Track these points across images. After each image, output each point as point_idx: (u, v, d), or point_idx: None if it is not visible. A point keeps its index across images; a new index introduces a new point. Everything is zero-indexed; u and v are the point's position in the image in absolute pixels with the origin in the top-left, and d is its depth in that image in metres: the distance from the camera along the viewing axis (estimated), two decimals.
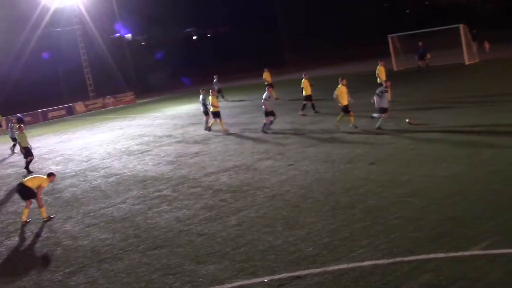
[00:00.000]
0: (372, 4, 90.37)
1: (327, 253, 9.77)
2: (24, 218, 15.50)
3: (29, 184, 15.23)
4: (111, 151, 26.23)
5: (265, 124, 24.31)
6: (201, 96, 28.62)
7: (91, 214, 15.32)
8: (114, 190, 17.81)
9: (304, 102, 27.78)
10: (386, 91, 21.07)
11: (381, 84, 25.92)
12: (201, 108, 28.43)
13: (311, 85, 28.00)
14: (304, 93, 27.95)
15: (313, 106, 27.60)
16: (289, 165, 17.18)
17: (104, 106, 58.65)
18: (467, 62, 40.75)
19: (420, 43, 41.79)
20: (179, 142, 25.57)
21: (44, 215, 15.41)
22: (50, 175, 15.82)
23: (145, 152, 24.19)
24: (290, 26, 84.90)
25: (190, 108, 42.25)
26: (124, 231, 13.28)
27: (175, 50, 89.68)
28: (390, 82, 21.79)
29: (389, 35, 47.56)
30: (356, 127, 21.13)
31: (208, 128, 27.45)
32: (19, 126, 25.51)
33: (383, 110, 20.66)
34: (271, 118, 24.31)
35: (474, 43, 43.86)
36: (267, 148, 20.57)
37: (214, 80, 43.03)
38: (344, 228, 10.89)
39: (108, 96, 59.99)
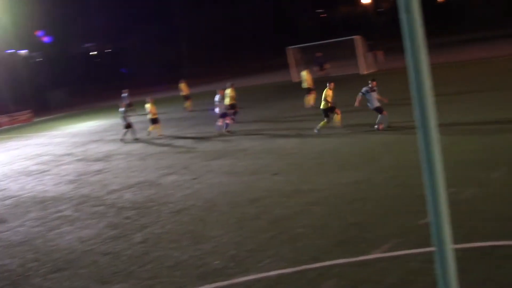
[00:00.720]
0: (270, 17, 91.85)
1: (234, 265, 9.77)
2: None
3: None
4: (7, 172, 25.14)
5: (227, 124, 24.92)
6: (121, 109, 28.74)
7: None
8: (11, 213, 17.05)
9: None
10: (373, 90, 20.33)
11: (308, 89, 26.77)
12: (122, 121, 28.58)
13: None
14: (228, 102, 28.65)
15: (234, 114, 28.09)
16: (193, 179, 17.10)
17: None
18: (363, 72, 42.23)
19: (318, 54, 42.94)
20: (80, 160, 24.87)
21: None
22: None
23: (44, 172, 23.35)
24: (191, 40, 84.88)
25: (91, 125, 41.27)
26: (22, 255, 12.71)
27: (74, 66, 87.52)
28: (376, 82, 20.88)
29: (288, 48, 48.54)
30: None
31: (148, 133, 28.46)
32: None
33: (379, 110, 20.02)
34: (227, 120, 24.88)
35: (370, 53, 45.57)
36: (171, 162, 20.39)
37: (124, 95, 42.07)
38: (250, 240, 10.94)
39: (2, 115, 57.52)
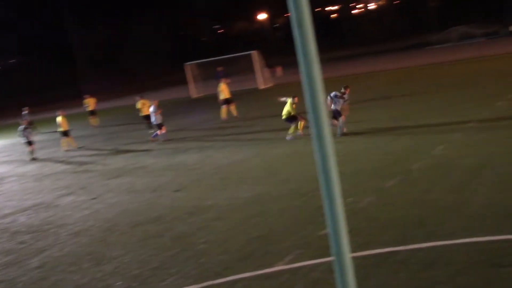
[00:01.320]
0: (168, 33, 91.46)
1: (137, 285, 9.56)
2: None
3: None
4: None
5: (157, 134, 25.20)
6: (20, 127, 27.78)
7: None
8: None
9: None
10: (342, 98, 20.03)
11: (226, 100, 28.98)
12: (22, 140, 27.60)
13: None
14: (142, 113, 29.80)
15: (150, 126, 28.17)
16: (92, 199, 16.63)
17: None
18: (261, 87, 42.85)
19: (219, 68, 43.20)
20: None
21: None
22: None
23: None
24: (87, 57, 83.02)
25: None
26: None
27: None
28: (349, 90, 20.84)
29: (186, 63, 48.50)
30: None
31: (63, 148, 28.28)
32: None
33: (338, 114, 19.79)
34: (164, 131, 25.14)
35: (267, 69, 46.32)
36: (68, 183, 19.75)
37: (24, 113, 40.12)
38: (153, 258, 10.76)
39: None
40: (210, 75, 44.61)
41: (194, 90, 46.68)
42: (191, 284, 9.18)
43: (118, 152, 24.71)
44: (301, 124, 20.89)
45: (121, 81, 79.25)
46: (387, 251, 9.03)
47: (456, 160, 13.82)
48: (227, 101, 29.40)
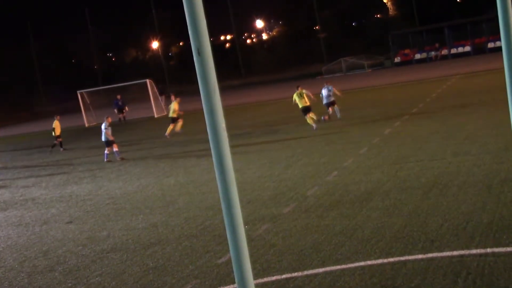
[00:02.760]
0: (58, 59, 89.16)
1: None
2: None
3: None
4: None
5: (107, 154, 24.66)
6: None
7: None
8: None
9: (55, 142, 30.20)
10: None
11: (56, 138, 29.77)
12: None
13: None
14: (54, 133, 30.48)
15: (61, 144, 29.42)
16: None
17: None
18: (156, 115, 42.54)
19: (118, 96, 42.51)
20: None
21: None
22: None
23: None
24: None
25: None
26: None
27: None
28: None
29: (79, 91, 47.38)
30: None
31: None
32: None
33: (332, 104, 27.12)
34: (114, 148, 24.66)
35: (162, 97, 46.11)
36: None
37: None
38: None
39: None
40: (104, 103, 43.79)
41: (87, 119, 45.58)
42: None
43: (4, 184, 23.56)
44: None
45: (8, 109, 76.01)
46: (284, 277, 9.11)
47: (348, 186, 14.26)
48: (175, 119, 30.10)
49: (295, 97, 25.67)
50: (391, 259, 9.12)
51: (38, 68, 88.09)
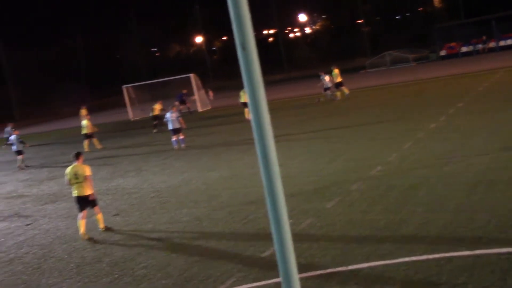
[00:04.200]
0: (104, 55, 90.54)
1: None
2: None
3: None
4: None
5: (175, 141, 25.91)
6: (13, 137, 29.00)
7: None
8: None
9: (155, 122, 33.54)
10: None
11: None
12: (14, 147, 28.71)
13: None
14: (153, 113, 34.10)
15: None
16: (26, 225, 16.14)
17: None
18: (200, 110, 42.82)
19: (184, 91, 42.88)
20: None
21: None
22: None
23: None
24: (20, 80, 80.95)
25: None
26: None
27: None
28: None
29: (124, 86, 48.03)
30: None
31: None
32: None
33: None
34: (180, 136, 25.87)
35: (203, 91, 46.37)
36: (0, 208, 19.11)
37: (7, 129, 37.85)
38: (91, 285, 10.50)
39: None
40: (148, 98, 44.26)
41: (132, 113, 46.20)
42: None
43: (53, 176, 24.11)
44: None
45: (55, 103, 77.58)
46: (328, 272, 9.11)
47: (393, 180, 14.12)
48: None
49: None
50: (437, 255, 9.02)
51: (83, 63, 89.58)
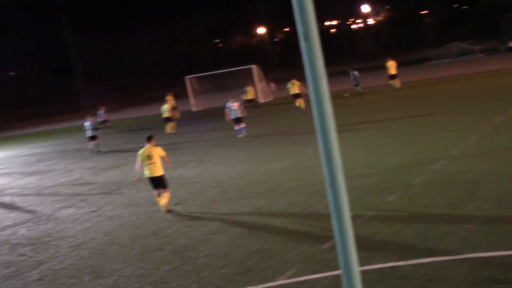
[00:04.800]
0: (167, 47, 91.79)
1: None
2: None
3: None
4: None
5: (238, 129, 26.83)
6: (87, 123, 30.55)
7: None
8: None
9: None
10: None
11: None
12: (88, 133, 30.35)
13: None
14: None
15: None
16: (92, 211, 16.61)
17: None
18: (261, 101, 42.89)
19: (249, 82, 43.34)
20: None
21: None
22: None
23: None
24: (86, 70, 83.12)
25: None
26: None
27: None
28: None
29: (186, 77, 48.59)
30: None
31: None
32: None
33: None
34: (242, 125, 26.87)
35: (265, 83, 46.43)
36: (68, 195, 19.73)
37: (99, 112, 39.70)
38: (153, 271, 10.72)
39: None
40: (210, 89, 44.66)
41: (194, 103, 46.75)
42: None
43: (118, 165, 24.70)
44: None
45: (119, 94, 79.38)
46: (388, 266, 9.01)
47: (456, 175, 13.82)
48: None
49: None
50: (503, 253, 8.79)
51: (148, 55, 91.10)
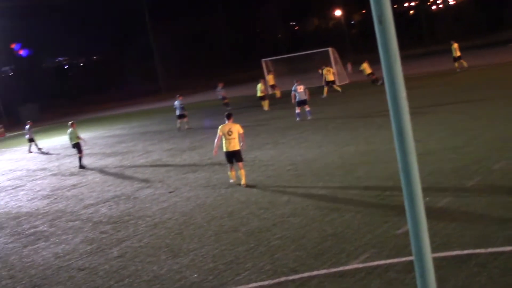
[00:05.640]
0: (244, 30, 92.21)
1: (212, 278, 9.72)
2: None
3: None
4: None
5: (298, 113, 27.60)
6: (176, 102, 32.64)
7: None
8: None
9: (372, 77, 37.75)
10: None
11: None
12: (178, 112, 32.53)
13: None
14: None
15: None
16: (169, 192, 17.02)
17: None
18: (337, 83, 42.49)
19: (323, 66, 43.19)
20: (55, 174, 24.60)
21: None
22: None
23: (18, 187, 23.04)
24: (165, 54, 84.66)
25: (65, 139, 40.85)
26: None
27: (46, 81, 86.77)
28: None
29: (262, 59, 48.69)
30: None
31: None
32: (72, 123, 26.05)
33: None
34: (306, 108, 27.72)
35: (340, 65, 45.87)
36: (146, 176, 20.28)
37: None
38: (228, 252, 10.91)
39: None
40: (287, 71, 44.61)
41: (269, 87, 46.81)
42: (265, 279, 9.25)
43: (195, 147, 25.15)
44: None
45: (199, 76, 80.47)
46: (466, 253, 8.81)
47: None
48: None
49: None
50: None
51: (225, 37, 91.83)
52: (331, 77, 37.21)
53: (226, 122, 16.50)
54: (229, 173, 16.68)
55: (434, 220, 10.24)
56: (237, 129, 16.28)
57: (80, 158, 25.21)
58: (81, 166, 24.82)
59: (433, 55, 57.91)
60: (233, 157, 16.28)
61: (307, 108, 27.47)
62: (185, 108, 32.85)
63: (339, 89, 37.14)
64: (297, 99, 27.68)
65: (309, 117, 27.15)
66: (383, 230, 10.51)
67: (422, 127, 19.33)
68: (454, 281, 7.94)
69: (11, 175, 27.02)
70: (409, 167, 2.81)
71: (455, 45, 38.08)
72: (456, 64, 38.10)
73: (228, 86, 55.99)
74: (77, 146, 25.36)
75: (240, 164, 16.21)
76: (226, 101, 38.92)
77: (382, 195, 12.81)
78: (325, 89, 36.85)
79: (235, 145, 16.18)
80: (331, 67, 38.99)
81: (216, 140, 16.53)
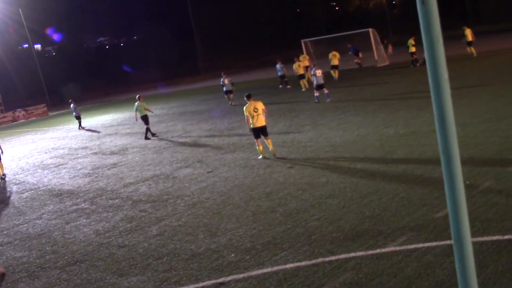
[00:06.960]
0: (284, 10, 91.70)
1: (250, 258, 9.80)
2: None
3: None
4: (24, 165, 25.35)
5: (317, 96, 28.42)
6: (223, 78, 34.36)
7: (5, 232, 14.71)
8: (29, 206, 17.20)
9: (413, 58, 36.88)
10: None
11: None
12: (225, 88, 34.36)
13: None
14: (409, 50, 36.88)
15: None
16: (208, 172, 17.15)
17: (14, 119, 56.61)
18: (378, 65, 42.03)
19: (349, 45, 42.72)
20: (96, 153, 25.03)
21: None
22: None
23: (60, 165, 23.52)
24: (204, 34, 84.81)
25: (106, 118, 41.46)
26: (40, 247, 12.83)
27: (88, 60, 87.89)
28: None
29: (302, 40, 48.39)
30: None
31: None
32: (139, 97, 27.46)
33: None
34: (325, 91, 28.31)
35: (382, 46, 45.28)
36: (185, 156, 20.47)
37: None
38: (265, 233, 10.96)
39: (18, 109, 57.95)
40: (326, 52, 44.18)
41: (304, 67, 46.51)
42: (302, 260, 9.28)
43: (232, 128, 25.24)
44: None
45: (235, 57, 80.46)
46: (507, 238, 8.68)
47: None
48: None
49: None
50: None
51: (264, 18, 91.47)
52: (335, 62, 37.90)
53: (248, 102, 17.59)
54: (257, 147, 17.71)
55: (474, 204, 10.10)
56: (260, 105, 17.47)
57: (147, 130, 26.51)
58: (147, 137, 26.19)
59: (478, 35, 56.68)
60: (261, 132, 17.49)
61: (326, 91, 28.10)
62: (234, 84, 34.92)
63: (335, 75, 37.69)
64: (315, 83, 28.27)
65: (328, 100, 27.78)
66: (421, 213, 10.42)
67: (464, 109, 19.00)
68: (493, 267, 7.84)
69: (53, 153, 27.58)
70: (450, 150, 2.78)
71: (468, 31, 38.16)
72: (468, 49, 38.11)
73: (265, 67, 55.80)
74: (144, 118, 26.73)
75: (267, 138, 17.57)
76: (285, 79, 38.84)
77: (421, 177, 12.68)
78: (336, 73, 37.86)
79: (262, 121, 17.37)
80: (337, 52, 38.71)
81: (246, 120, 17.84)
